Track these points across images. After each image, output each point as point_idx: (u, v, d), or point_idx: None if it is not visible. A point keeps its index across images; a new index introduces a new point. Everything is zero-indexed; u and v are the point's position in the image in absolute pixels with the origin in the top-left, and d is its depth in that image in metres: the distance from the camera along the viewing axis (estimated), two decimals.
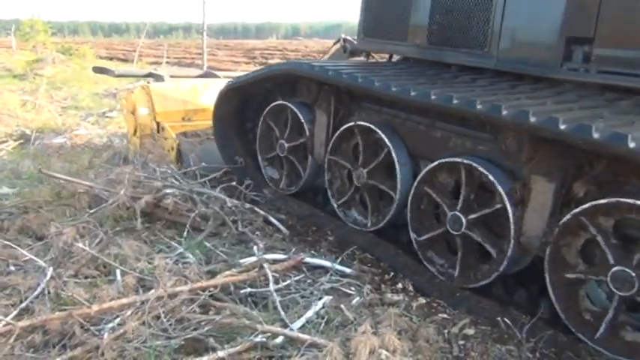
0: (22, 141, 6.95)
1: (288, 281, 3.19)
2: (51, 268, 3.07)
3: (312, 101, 4.24)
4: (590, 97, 2.98)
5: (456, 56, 3.66)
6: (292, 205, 4.48)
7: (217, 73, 6.97)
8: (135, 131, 5.89)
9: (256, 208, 4.24)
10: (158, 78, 6.34)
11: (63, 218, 3.90)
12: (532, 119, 2.55)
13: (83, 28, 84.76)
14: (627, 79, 2.86)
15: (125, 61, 22.80)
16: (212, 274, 3.20)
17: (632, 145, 2.21)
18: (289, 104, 4.37)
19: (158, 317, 2.70)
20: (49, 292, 2.94)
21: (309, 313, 2.85)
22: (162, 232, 3.83)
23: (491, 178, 2.90)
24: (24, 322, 2.57)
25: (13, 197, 4.41)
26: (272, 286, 3.03)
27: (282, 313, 2.83)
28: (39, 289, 2.94)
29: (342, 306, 2.93)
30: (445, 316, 2.98)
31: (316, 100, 4.18)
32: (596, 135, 2.32)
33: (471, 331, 2.83)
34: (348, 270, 3.39)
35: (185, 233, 3.79)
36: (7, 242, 3.47)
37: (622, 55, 2.87)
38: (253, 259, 3.34)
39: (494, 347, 2.69)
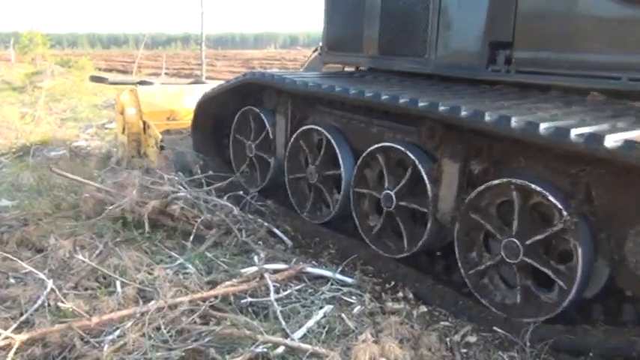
0: (21, 153, 6.96)
1: (289, 291, 3.18)
2: (51, 281, 3.05)
3: (273, 107, 4.68)
4: (506, 94, 3.38)
5: (402, 64, 4.14)
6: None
7: (206, 80, 7.27)
8: (123, 130, 6.30)
9: (260, 219, 4.25)
10: (149, 85, 6.81)
11: (63, 230, 3.89)
12: (420, 104, 3.10)
13: (82, 39, 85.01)
14: (542, 77, 3.28)
15: (124, 72, 22.91)
16: (213, 284, 3.19)
17: (514, 125, 2.60)
18: (256, 109, 4.84)
19: (158, 328, 2.69)
20: (48, 305, 2.92)
21: (310, 323, 2.84)
22: (163, 242, 3.82)
23: (413, 158, 3.40)
24: (24, 335, 2.56)
25: (12, 210, 4.41)
26: (273, 296, 3.02)
27: (283, 322, 2.82)
28: (39, 302, 2.93)
29: (343, 315, 2.92)
30: (447, 323, 2.97)
31: (277, 105, 4.62)
32: (463, 113, 2.84)
33: (473, 339, 2.82)
34: (348, 279, 3.38)
35: (190, 243, 3.79)
36: (6, 255, 3.46)
37: (537, 56, 3.29)
38: (254, 268, 3.33)
39: (496, 354, 2.68)
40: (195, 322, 2.79)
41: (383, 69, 4.38)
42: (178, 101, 6.24)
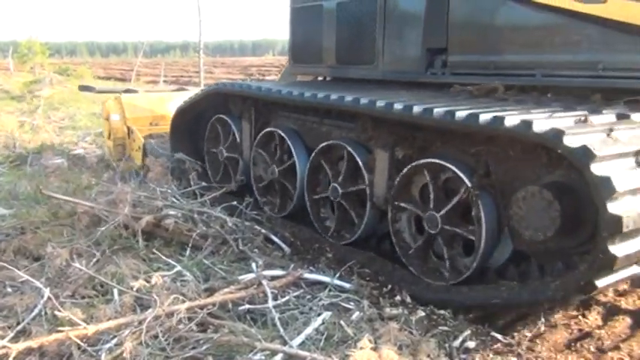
0: (19, 162, 6.96)
1: (287, 297, 3.17)
2: (48, 289, 3.04)
3: (239, 114, 5.11)
4: (425, 90, 3.96)
5: (356, 72, 4.68)
6: None
7: (188, 87, 7.95)
8: (109, 135, 6.79)
9: (256, 226, 4.26)
10: (133, 92, 7.37)
11: (60, 238, 3.88)
12: (347, 99, 3.64)
13: (81, 48, 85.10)
14: (472, 77, 3.80)
15: (123, 80, 22.87)
16: (210, 291, 3.18)
17: (416, 109, 3.13)
18: (225, 117, 5.29)
19: (156, 336, 2.68)
20: (45, 314, 2.91)
21: (309, 330, 2.83)
22: (160, 250, 3.81)
23: (353, 153, 3.83)
24: (20, 345, 2.54)
25: (9, 218, 4.40)
26: (271, 303, 3.01)
27: (282, 329, 2.81)
28: (36, 311, 2.92)
29: (342, 322, 2.91)
30: (445, 328, 2.96)
31: (242, 112, 5.06)
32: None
33: (472, 344, 2.81)
34: (346, 285, 3.37)
35: (187, 252, 3.79)
36: (3, 264, 3.45)
37: (467, 59, 3.84)
38: (252, 275, 3.32)
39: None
40: (192, 330, 2.78)
41: (341, 77, 4.96)
42: (160, 107, 6.62)
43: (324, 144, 4.10)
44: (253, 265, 3.51)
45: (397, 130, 3.51)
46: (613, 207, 2.35)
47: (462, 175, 3.11)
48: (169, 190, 4.57)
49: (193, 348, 2.64)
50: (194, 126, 5.73)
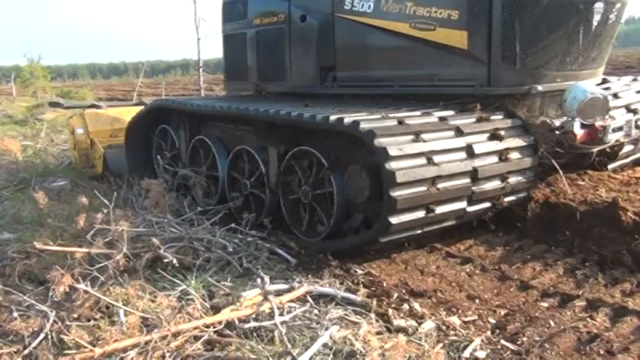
0: (22, 186, 6.95)
1: (294, 312, 3.14)
2: (53, 313, 3.03)
3: (177, 124, 6.19)
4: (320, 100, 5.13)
5: (273, 87, 5.85)
6: None
7: (147, 101, 8.54)
8: (74, 146, 7.67)
9: (259, 241, 4.26)
10: (98, 107, 8.31)
11: (65, 261, 3.86)
12: (241, 107, 4.83)
13: (82, 71, 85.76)
14: (354, 89, 5.06)
15: (124, 100, 22.97)
16: (216, 309, 3.15)
17: (281, 112, 4.34)
18: (167, 127, 6.36)
19: (163, 357, 2.66)
20: (52, 337, 2.90)
21: (317, 345, 2.79)
22: (164, 270, 3.78)
23: (252, 152, 4.97)
24: None
25: (14, 243, 4.39)
26: (277, 319, 2.98)
27: (289, 345, 2.78)
28: (42, 335, 2.90)
29: (350, 336, 2.87)
30: (455, 338, 2.93)
31: (179, 123, 6.13)
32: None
33: (482, 354, 2.78)
34: (353, 297, 3.34)
35: (192, 272, 3.75)
36: (8, 288, 3.43)
37: (350, 75, 5.02)
38: (257, 291, 3.30)
39: None
40: (199, 349, 2.76)
41: (262, 91, 6.06)
42: (120, 121, 7.36)
43: (236, 148, 5.11)
44: (258, 280, 3.49)
45: (280, 131, 4.58)
46: (389, 166, 3.46)
47: (322, 158, 4.18)
48: (165, 220, 4.57)
49: None
50: (145, 136, 6.67)
